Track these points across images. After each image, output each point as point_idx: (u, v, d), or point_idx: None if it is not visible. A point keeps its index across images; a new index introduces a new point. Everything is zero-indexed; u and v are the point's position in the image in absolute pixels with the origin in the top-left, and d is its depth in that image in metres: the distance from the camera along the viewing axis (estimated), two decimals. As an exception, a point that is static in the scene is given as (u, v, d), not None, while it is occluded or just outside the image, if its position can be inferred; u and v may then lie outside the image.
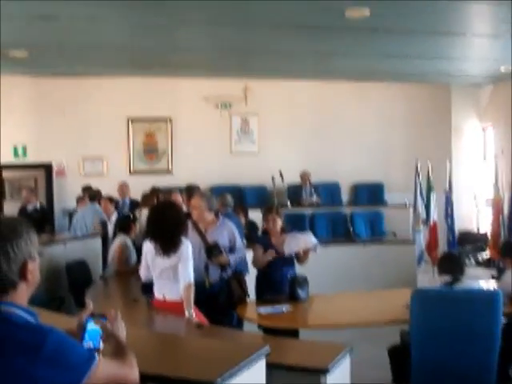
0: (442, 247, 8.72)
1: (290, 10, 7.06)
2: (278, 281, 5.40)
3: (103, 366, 1.90)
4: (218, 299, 4.91)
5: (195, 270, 4.29)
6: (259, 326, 4.90)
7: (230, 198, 7.02)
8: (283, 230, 5.61)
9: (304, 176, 11.02)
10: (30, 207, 9.79)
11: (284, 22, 7.60)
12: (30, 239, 1.94)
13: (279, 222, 5.58)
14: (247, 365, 2.45)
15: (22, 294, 1.92)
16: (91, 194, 9.02)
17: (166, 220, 4.33)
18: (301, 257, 5.54)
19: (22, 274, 1.90)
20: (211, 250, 4.90)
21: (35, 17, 7.19)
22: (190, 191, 6.64)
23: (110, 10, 7.06)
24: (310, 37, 8.28)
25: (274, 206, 5.71)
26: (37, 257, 1.97)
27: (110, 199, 8.95)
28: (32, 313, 1.92)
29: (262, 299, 5.35)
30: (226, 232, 5.11)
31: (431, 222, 8.68)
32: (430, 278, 7.33)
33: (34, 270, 1.95)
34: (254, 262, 5.55)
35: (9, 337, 1.80)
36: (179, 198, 6.78)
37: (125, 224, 6.87)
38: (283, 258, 5.47)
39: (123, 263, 6.43)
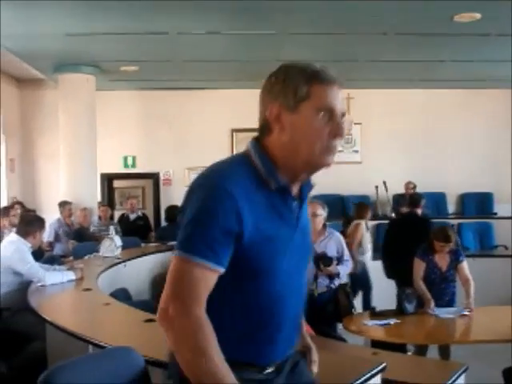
0: (559, 262, 8.21)
1: (396, 17, 6.96)
2: (439, 297, 5.32)
3: None
4: (324, 310, 4.86)
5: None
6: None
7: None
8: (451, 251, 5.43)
9: (408, 186, 10.73)
10: (132, 216, 10.15)
11: (389, 30, 7.49)
12: None
13: (451, 245, 5.37)
14: (365, 380, 2.36)
15: None
16: None
17: None
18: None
19: None
20: (322, 260, 4.87)
21: (146, 33, 7.51)
22: None
23: (217, 23, 7.24)
24: (417, 44, 8.11)
25: (451, 232, 5.47)
26: None
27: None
28: None
29: (369, 312, 5.26)
30: (334, 242, 5.06)
31: (546, 235, 8.20)
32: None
33: None
34: (414, 280, 5.39)
35: None
36: None
37: None
38: (444, 276, 5.39)
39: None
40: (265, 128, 1.69)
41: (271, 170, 1.66)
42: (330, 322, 4.91)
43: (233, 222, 1.57)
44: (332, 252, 4.98)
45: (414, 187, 10.65)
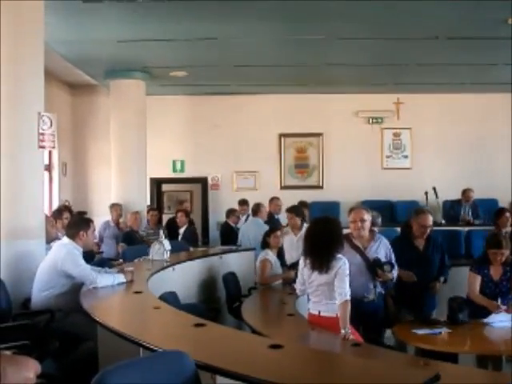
0: None
1: (448, 21, 6.87)
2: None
3: None
4: (376, 316, 4.79)
5: (351, 287, 4.22)
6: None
7: (379, 218, 6.66)
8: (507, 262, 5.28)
9: (468, 194, 10.42)
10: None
11: (440, 34, 7.40)
12: None
13: (505, 253, 5.23)
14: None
15: None
16: (253, 209, 9.14)
17: (318, 236, 4.29)
18: None
19: None
20: (383, 266, 4.79)
21: (195, 38, 7.59)
22: None
23: (265, 28, 7.27)
24: (469, 48, 7.98)
25: (502, 238, 5.33)
26: None
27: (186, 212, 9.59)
28: None
29: (419, 319, 5.16)
30: (383, 248, 4.99)
31: None
32: None
33: None
34: (471, 293, 5.29)
35: None
36: None
37: (265, 238, 6.87)
38: (498, 290, 5.25)
39: (266, 277, 6.39)
40: None
41: None
42: (379, 329, 4.85)
43: None
44: (381, 257, 4.91)
45: (472, 193, 10.34)
